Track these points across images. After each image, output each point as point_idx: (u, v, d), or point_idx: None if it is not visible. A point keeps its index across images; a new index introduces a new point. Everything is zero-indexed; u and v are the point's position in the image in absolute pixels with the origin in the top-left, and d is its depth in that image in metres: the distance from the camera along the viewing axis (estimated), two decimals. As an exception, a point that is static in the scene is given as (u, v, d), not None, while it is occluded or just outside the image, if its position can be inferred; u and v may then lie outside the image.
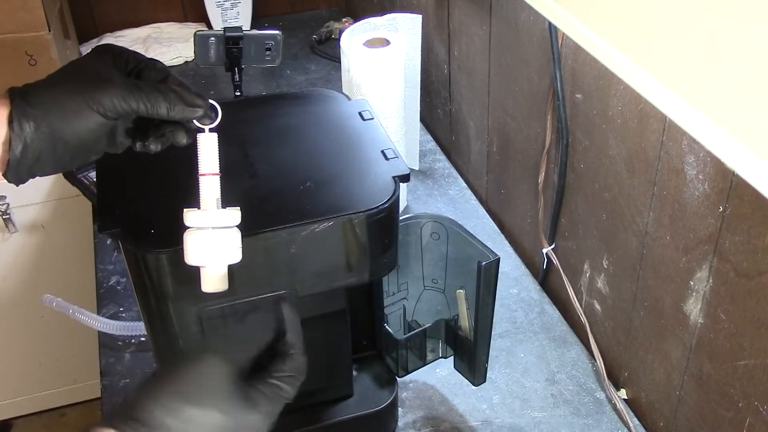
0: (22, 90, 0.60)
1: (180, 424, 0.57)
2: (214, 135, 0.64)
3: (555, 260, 1.12)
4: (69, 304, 1.10)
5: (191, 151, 0.65)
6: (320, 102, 0.89)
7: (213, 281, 0.64)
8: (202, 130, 0.64)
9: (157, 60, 0.67)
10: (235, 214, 0.64)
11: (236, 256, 0.64)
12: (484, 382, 0.92)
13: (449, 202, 1.35)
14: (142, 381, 0.61)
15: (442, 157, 1.46)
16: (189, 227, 0.63)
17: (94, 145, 0.62)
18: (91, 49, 0.66)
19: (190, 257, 0.63)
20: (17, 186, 0.62)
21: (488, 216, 1.32)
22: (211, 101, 0.64)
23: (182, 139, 0.65)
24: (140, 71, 0.65)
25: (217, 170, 0.64)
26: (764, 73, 0.30)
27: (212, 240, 0.63)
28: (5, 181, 0.60)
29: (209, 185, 0.64)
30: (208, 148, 0.64)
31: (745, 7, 0.30)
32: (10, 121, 0.58)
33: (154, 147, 0.64)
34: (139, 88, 0.61)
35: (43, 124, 0.58)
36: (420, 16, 1.22)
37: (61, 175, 1.40)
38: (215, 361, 0.61)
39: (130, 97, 0.60)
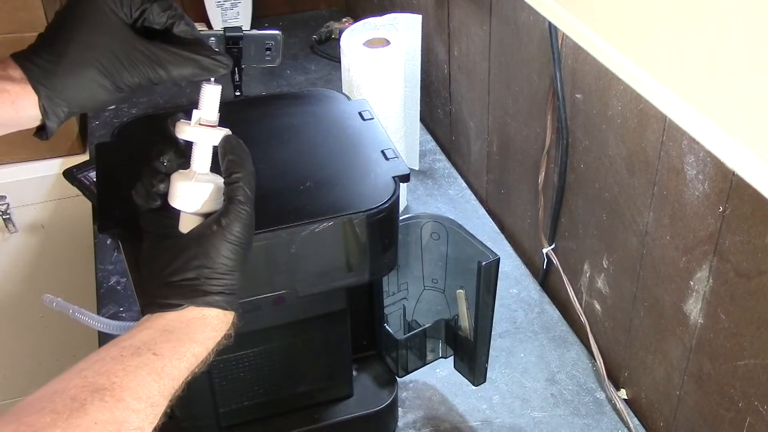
0: (42, 75, 0.61)
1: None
2: (219, 87, 0.65)
3: (555, 260, 1.12)
4: (69, 304, 1.10)
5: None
6: (320, 102, 0.89)
7: (191, 223, 0.64)
8: (208, 80, 0.64)
9: None
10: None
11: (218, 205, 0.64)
12: (484, 382, 0.92)
13: (449, 202, 1.35)
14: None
15: (442, 157, 1.46)
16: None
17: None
18: None
19: (177, 201, 0.63)
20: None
21: (488, 216, 1.32)
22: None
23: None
24: (146, 18, 0.65)
25: (216, 122, 0.64)
26: (764, 73, 0.30)
27: (198, 189, 0.63)
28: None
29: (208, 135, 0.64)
30: (211, 98, 0.64)
31: (745, 7, 0.30)
32: (44, 110, 0.61)
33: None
34: (162, 65, 0.63)
35: (74, 106, 0.62)
36: (420, 16, 1.21)
37: (61, 175, 1.40)
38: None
39: (154, 74, 0.63)
